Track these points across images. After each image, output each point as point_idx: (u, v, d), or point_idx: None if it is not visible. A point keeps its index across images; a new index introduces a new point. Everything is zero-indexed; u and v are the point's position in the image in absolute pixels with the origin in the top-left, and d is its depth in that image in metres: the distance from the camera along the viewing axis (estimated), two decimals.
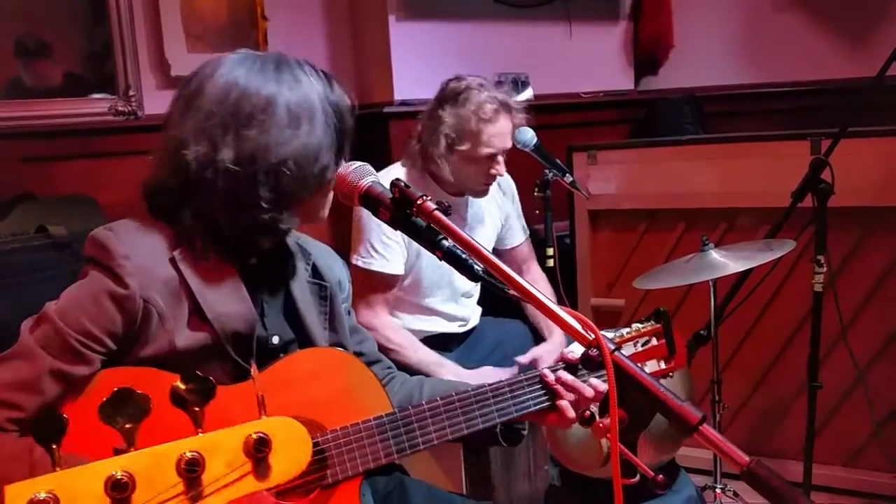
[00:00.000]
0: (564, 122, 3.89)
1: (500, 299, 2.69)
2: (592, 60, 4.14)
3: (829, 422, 2.88)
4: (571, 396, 1.42)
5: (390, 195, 1.20)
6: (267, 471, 0.75)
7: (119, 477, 0.69)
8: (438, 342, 2.55)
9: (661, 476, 0.90)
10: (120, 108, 3.07)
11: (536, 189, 2.69)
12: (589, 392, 1.41)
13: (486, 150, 2.36)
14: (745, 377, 3.03)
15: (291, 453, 0.76)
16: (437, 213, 1.15)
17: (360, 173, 1.26)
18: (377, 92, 3.67)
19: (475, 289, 2.63)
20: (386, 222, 1.21)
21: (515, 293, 1.06)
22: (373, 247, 2.35)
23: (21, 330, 1.25)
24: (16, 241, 2.37)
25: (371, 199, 1.23)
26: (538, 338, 2.61)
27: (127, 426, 0.71)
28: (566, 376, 1.43)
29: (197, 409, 0.74)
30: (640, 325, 1.55)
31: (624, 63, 4.31)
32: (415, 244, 2.33)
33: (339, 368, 1.39)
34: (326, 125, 1.32)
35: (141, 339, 1.26)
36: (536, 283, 2.58)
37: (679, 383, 2.25)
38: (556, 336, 2.54)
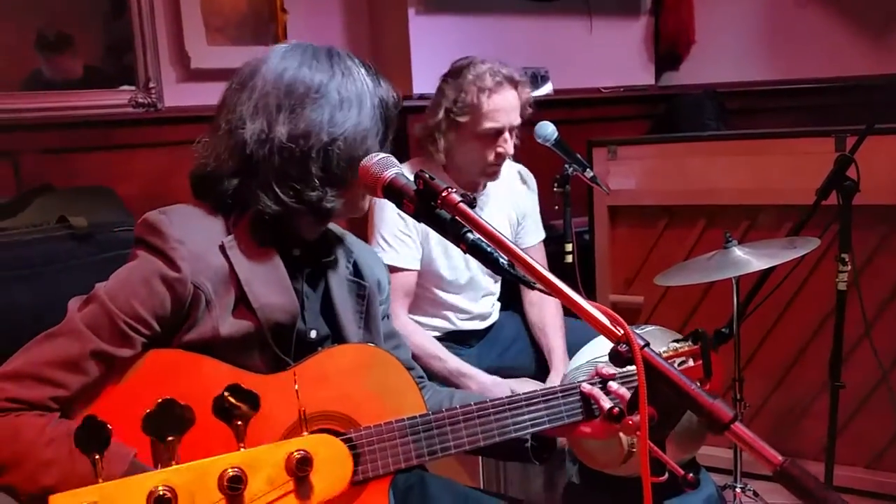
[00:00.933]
0: (584, 118, 3.86)
1: (516, 293, 2.71)
2: (613, 55, 4.11)
3: (852, 422, 2.85)
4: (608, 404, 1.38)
5: (414, 187, 1.18)
6: (309, 490, 0.75)
7: (161, 492, 0.69)
8: (459, 338, 2.54)
9: (691, 474, 0.88)
10: (140, 101, 3.08)
11: (556, 184, 2.67)
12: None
13: (487, 125, 2.28)
14: (765, 376, 3.01)
15: (332, 472, 0.77)
16: (462, 205, 1.13)
17: (384, 164, 1.24)
18: (396, 86, 3.64)
19: (496, 287, 2.61)
20: (410, 214, 1.19)
21: (542, 287, 1.04)
22: (385, 240, 2.33)
23: (69, 308, 1.26)
24: (37, 232, 2.37)
25: (395, 191, 1.21)
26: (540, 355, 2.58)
27: (169, 438, 0.71)
28: (613, 385, 1.41)
29: (240, 423, 0.74)
30: (677, 345, 1.51)
31: (644, 58, 4.28)
32: (432, 242, 2.37)
33: (376, 366, 1.38)
34: (373, 113, 1.38)
35: (186, 324, 1.27)
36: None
37: None
38: (558, 367, 2.49)
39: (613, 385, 1.40)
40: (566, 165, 2.61)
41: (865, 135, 2.32)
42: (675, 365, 1.42)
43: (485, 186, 2.48)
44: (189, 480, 0.71)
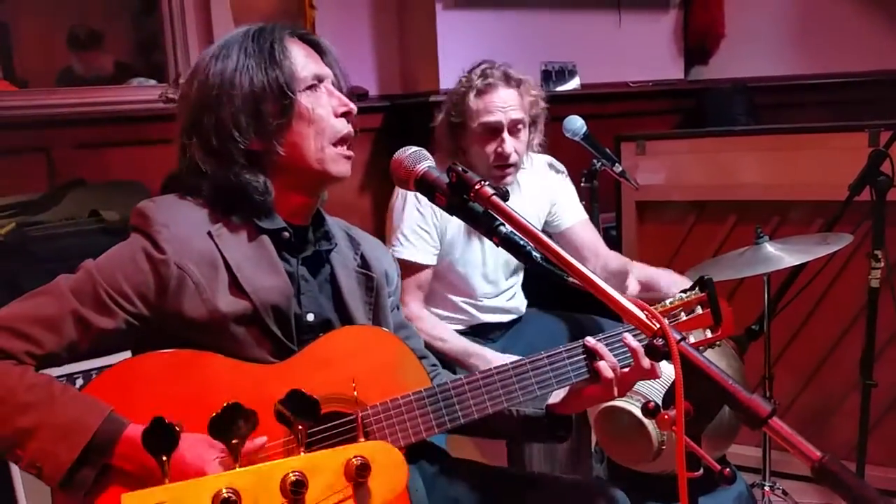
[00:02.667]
0: (613, 112, 3.84)
1: (545, 293, 2.69)
2: (642, 49, 4.08)
3: (883, 421, 2.80)
4: (613, 361, 1.40)
5: (447, 180, 1.18)
6: (366, 495, 0.76)
7: (226, 495, 0.71)
8: (481, 331, 2.53)
9: (727, 469, 0.88)
10: (170, 96, 3.10)
11: (584, 179, 2.66)
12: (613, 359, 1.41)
13: (480, 120, 2.27)
14: (796, 374, 2.97)
15: (389, 478, 0.78)
16: (494, 198, 1.13)
17: (416, 158, 1.25)
18: (423, 81, 3.66)
19: (515, 279, 2.59)
20: (442, 207, 1.19)
21: (575, 280, 1.04)
22: (404, 235, 2.34)
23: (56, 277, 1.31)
24: (70, 226, 2.42)
25: (427, 185, 1.22)
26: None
27: (234, 441, 0.73)
28: (628, 337, 1.41)
29: (301, 427, 0.76)
30: (683, 295, 1.52)
31: (674, 52, 4.25)
32: (449, 236, 2.37)
33: (377, 345, 1.40)
34: (242, 51, 1.36)
35: (178, 306, 1.29)
36: (610, 264, 2.53)
37: (707, 348, 2.21)
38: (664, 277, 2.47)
39: (628, 337, 1.40)
40: (594, 160, 2.60)
41: None
42: (683, 315, 1.49)
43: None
44: (253, 483, 0.73)
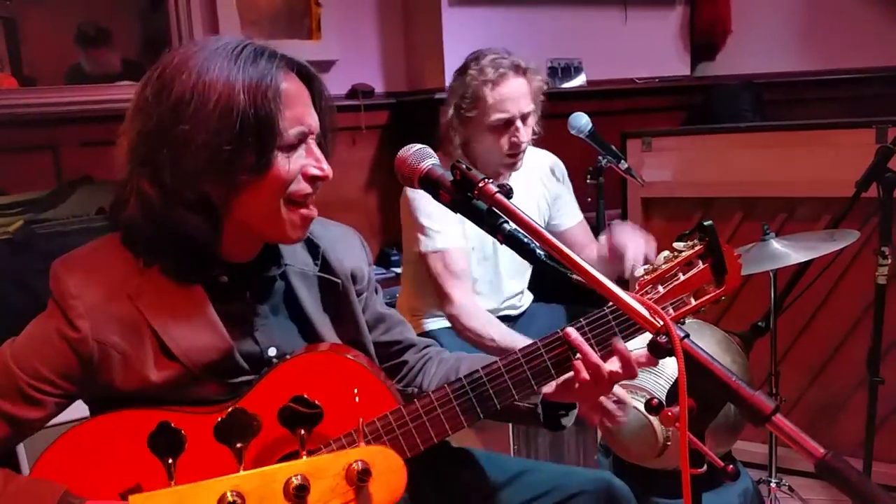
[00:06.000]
0: (618, 109, 3.84)
1: (548, 285, 2.69)
2: (648, 46, 4.07)
3: (890, 418, 2.80)
4: (594, 357, 1.27)
5: (451, 177, 1.18)
6: (367, 499, 0.77)
7: (231, 498, 0.72)
8: None
9: (731, 466, 0.88)
10: None
11: (589, 176, 2.65)
12: (593, 357, 1.27)
13: (495, 116, 2.27)
14: (802, 370, 2.97)
15: (389, 482, 0.79)
16: (498, 195, 1.13)
17: (421, 156, 1.25)
18: (429, 78, 3.66)
19: (523, 270, 2.59)
20: (446, 205, 1.19)
21: (579, 278, 1.04)
22: (428, 227, 2.31)
23: None
24: (77, 223, 2.43)
25: (431, 182, 1.21)
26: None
27: (238, 445, 0.74)
28: (619, 344, 1.28)
29: (304, 432, 0.77)
30: (679, 247, 1.31)
31: (680, 48, 4.23)
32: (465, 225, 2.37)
33: (330, 373, 1.28)
34: (229, 77, 1.16)
35: (107, 380, 1.21)
36: (592, 255, 2.51)
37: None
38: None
39: (619, 344, 1.28)
40: (600, 157, 2.59)
41: None
42: (682, 275, 1.31)
43: (509, 176, 2.47)
44: (257, 486, 0.74)
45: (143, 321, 1.21)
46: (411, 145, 1.28)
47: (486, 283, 2.48)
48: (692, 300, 1.32)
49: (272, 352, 1.31)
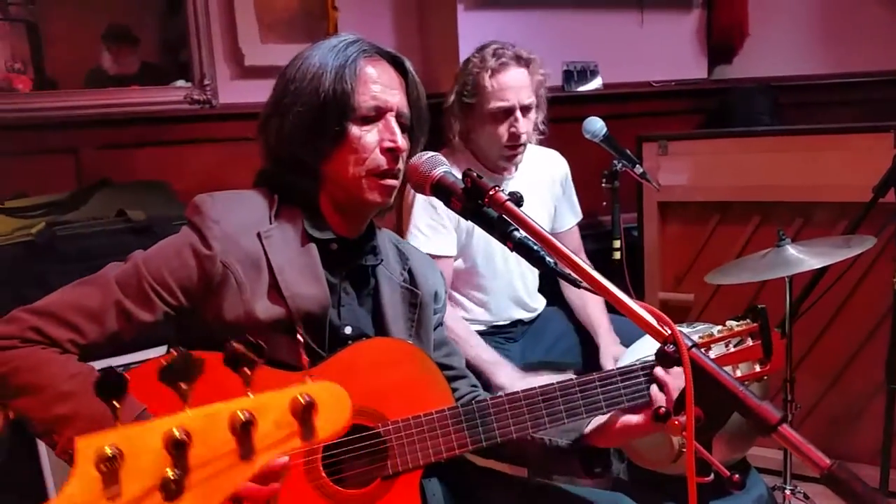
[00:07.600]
0: (634, 112, 3.82)
1: (560, 290, 2.69)
2: (664, 48, 4.05)
3: None
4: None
5: (462, 185, 1.20)
6: (311, 431, 0.78)
7: (177, 435, 0.73)
8: (503, 330, 2.54)
9: (737, 475, 0.88)
10: (195, 97, 3.14)
11: (604, 180, 2.65)
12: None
13: (494, 104, 2.29)
14: (819, 377, 2.95)
15: (333, 415, 0.80)
16: (508, 203, 1.14)
17: (433, 163, 1.26)
18: (444, 81, 3.66)
19: (534, 290, 2.60)
20: (457, 212, 1.21)
21: (589, 286, 1.04)
22: (419, 230, 2.35)
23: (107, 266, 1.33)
24: (97, 225, 2.46)
25: (443, 189, 1.23)
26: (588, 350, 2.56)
27: (183, 387, 0.75)
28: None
29: (247, 370, 0.77)
30: (734, 324, 1.43)
31: (697, 51, 4.21)
32: (462, 235, 2.38)
33: (404, 360, 1.40)
34: (321, 64, 1.40)
35: (218, 303, 1.32)
36: None
37: (754, 382, 2.20)
38: (606, 342, 2.47)
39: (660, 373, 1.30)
40: (614, 161, 2.59)
41: None
42: (731, 345, 1.41)
43: (511, 170, 2.47)
44: (203, 424, 0.75)
45: (264, 258, 1.35)
46: (424, 152, 1.31)
47: (498, 291, 2.48)
48: (738, 373, 1.41)
49: (348, 330, 1.42)
